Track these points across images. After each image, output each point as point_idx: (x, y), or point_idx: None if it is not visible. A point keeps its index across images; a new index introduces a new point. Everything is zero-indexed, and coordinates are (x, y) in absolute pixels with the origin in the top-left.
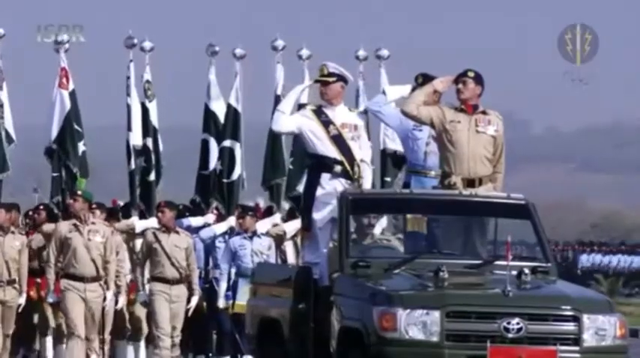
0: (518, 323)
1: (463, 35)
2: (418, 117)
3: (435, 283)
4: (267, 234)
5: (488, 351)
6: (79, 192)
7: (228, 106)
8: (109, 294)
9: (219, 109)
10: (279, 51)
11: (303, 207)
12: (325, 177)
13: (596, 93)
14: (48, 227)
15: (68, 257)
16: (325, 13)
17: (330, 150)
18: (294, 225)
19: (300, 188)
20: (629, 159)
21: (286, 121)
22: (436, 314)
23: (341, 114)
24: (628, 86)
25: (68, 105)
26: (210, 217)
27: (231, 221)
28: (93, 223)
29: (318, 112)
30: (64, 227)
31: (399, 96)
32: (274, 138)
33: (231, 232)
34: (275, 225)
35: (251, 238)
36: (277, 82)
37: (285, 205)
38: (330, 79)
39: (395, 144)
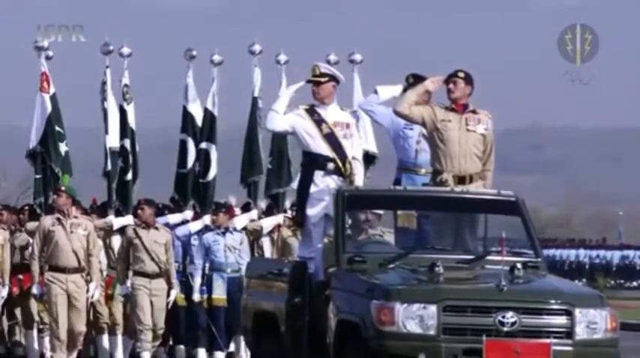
0: (512, 317)
1: (435, 39)
2: (410, 117)
3: (431, 278)
4: (245, 229)
5: (484, 345)
6: (63, 188)
7: (205, 110)
8: (92, 286)
9: (197, 111)
10: (256, 55)
11: (296, 203)
12: (318, 174)
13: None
14: (31, 225)
15: (51, 249)
16: (300, 18)
17: (323, 148)
18: (271, 221)
19: (279, 187)
20: (546, 160)
21: (280, 120)
22: (433, 309)
23: (333, 113)
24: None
25: (49, 108)
26: (188, 214)
27: (206, 219)
28: (76, 217)
29: (311, 111)
30: (47, 221)
31: (390, 96)
32: (251, 138)
33: (205, 230)
34: (252, 221)
35: (224, 234)
36: (254, 85)
37: (262, 204)
38: (322, 79)
39: (366, 144)
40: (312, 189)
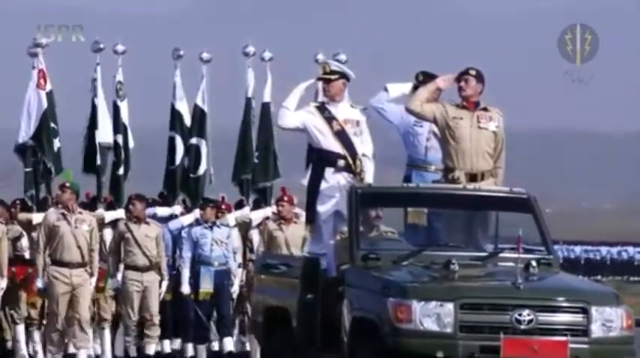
0: (529, 315)
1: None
2: (422, 114)
3: (447, 275)
4: (235, 222)
5: (502, 342)
6: (68, 184)
7: (195, 106)
8: (93, 280)
9: (184, 109)
10: (250, 56)
11: (307, 200)
12: (329, 171)
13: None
14: (23, 216)
15: (55, 244)
16: (289, 19)
17: (334, 145)
18: (259, 214)
19: (265, 181)
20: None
21: (291, 117)
22: (450, 306)
23: (343, 111)
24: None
25: (45, 104)
26: (177, 208)
27: (197, 213)
28: (80, 213)
29: (322, 109)
30: (52, 216)
31: (400, 93)
32: (244, 137)
33: (197, 223)
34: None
35: (211, 228)
36: (248, 85)
37: (251, 198)
38: (333, 77)
39: None
40: (323, 185)
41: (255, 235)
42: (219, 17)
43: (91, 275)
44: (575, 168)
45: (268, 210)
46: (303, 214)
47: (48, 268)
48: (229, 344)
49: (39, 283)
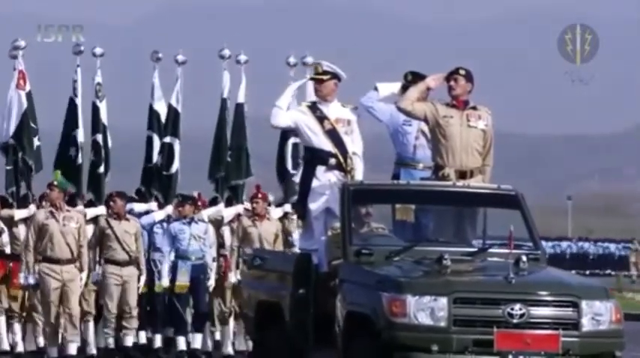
0: (521, 309)
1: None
2: (413, 113)
3: (440, 270)
4: (207, 219)
5: (495, 336)
6: (55, 183)
7: (169, 106)
8: (83, 275)
9: (162, 109)
10: (226, 59)
11: (299, 197)
12: (320, 169)
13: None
14: (5, 212)
15: (45, 241)
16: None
17: (325, 144)
18: (231, 211)
19: (238, 179)
20: None
21: (283, 116)
22: (444, 301)
23: (335, 110)
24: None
25: (25, 104)
26: (153, 205)
27: (169, 209)
28: (68, 211)
29: (313, 108)
30: (41, 214)
31: (389, 92)
32: (219, 136)
33: (168, 219)
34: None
35: (189, 224)
36: (223, 87)
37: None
38: (325, 77)
39: None
40: (314, 183)
41: (226, 231)
42: (195, 20)
43: (81, 270)
44: (502, 168)
45: (240, 208)
46: (276, 211)
47: (38, 265)
48: (198, 341)
49: (30, 280)
